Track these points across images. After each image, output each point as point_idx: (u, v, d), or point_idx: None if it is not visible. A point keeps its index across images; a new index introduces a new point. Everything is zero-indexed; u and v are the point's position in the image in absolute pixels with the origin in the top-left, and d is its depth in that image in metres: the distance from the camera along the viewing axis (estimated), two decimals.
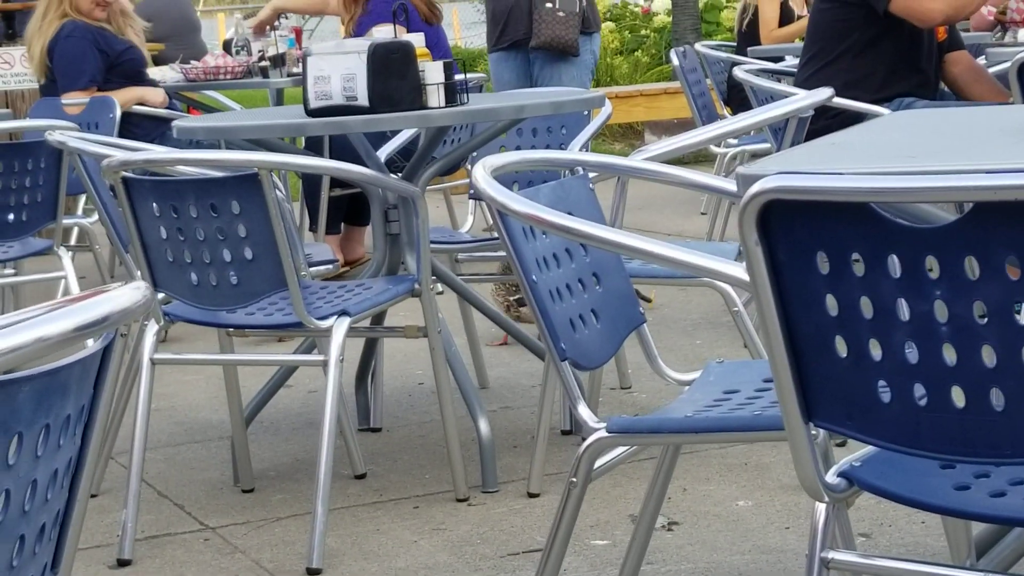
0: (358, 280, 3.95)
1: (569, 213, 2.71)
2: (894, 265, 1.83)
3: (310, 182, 6.78)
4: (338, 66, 4.01)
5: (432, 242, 4.38)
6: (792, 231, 1.89)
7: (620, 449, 2.56)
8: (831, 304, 1.89)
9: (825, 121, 5.27)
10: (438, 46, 6.93)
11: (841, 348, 1.91)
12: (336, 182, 6.57)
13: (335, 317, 3.54)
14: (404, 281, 3.80)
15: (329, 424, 3.46)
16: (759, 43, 8.78)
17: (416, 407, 4.79)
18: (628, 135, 12.58)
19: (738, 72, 5.36)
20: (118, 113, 5.72)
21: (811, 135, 5.26)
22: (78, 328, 1.40)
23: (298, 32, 7.45)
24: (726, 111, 8.78)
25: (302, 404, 4.83)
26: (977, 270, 1.78)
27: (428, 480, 4.06)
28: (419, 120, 3.80)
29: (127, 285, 1.56)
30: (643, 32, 14.75)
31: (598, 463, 2.52)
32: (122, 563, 3.57)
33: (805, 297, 1.91)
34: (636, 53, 14.12)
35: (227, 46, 7.46)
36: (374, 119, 3.75)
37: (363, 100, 3.96)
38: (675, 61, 7.05)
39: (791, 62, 6.75)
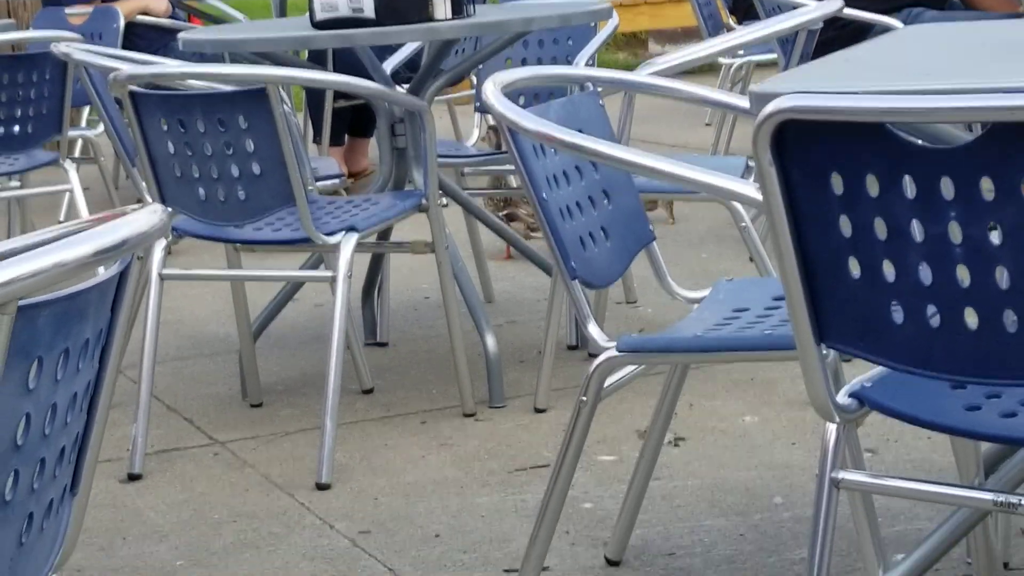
0: (365, 195, 3.94)
1: (579, 130, 2.70)
2: (909, 186, 1.83)
3: (314, 94, 6.75)
4: None
5: (438, 156, 4.37)
6: (806, 151, 1.88)
7: (630, 367, 2.56)
8: (845, 225, 1.89)
9: (834, 31, 5.24)
10: None
11: (854, 269, 1.91)
12: (340, 94, 6.54)
13: (343, 233, 3.54)
14: (411, 196, 3.80)
15: (337, 340, 3.47)
16: None
17: (422, 321, 4.80)
18: (632, 44, 12.50)
19: None
20: (122, 23, 5.70)
21: (820, 46, 5.22)
22: (97, 252, 1.40)
23: None
24: (731, 20, 8.73)
25: (309, 318, 4.84)
26: (993, 191, 1.78)
27: (435, 395, 4.07)
28: (426, 33, 3.78)
29: (143, 208, 1.56)
30: None
31: (608, 381, 2.52)
32: (132, 477, 3.59)
33: (819, 217, 1.90)
34: None
35: None
36: (380, 32, 3.73)
37: (369, 12, 3.93)
38: None
39: None
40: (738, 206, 3.74)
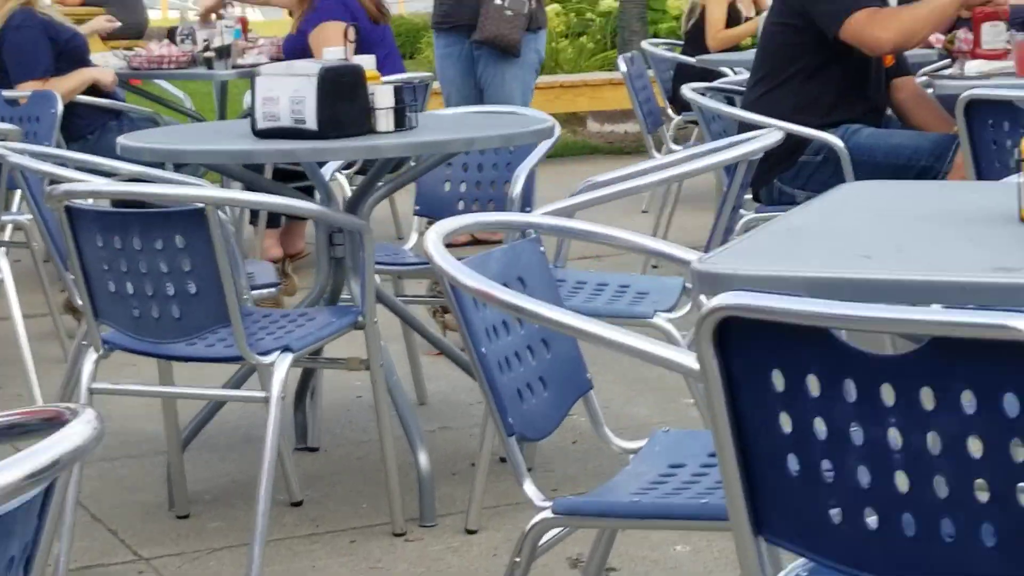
0: (300, 310, 3.92)
1: (520, 279, 2.70)
2: (850, 389, 1.82)
3: None
4: (287, 88, 3.97)
5: (376, 262, 4.35)
6: (748, 347, 1.87)
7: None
8: (785, 422, 1.88)
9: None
10: (384, 44, 6.89)
11: (794, 466, 1.90)
12: (279, 173, 6.52)
13: (278, 353, 3.51)
14: (348, 313, 3.77)
15: (268, 464, 3.43)
16: (705, 43, 8.77)
17: (354, 423, 4.76)
18: (571, 121, 12.56)
19: (686, 92, 5.35)
20: (60, 108, 5.65)
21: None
22: (27, 477, 1.37)
23: (244, 22, 7.38)
24: (670, 109, 8.78)
25: (240, 416, 4.79)
26: (933, 401, 1.78)
27: (366, 510, 4.04)
28: (368, 151, 3.77)
29: (78, 419, 1.52)
30: (588, 15, 14.72)
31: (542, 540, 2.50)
32: None
33: (759, 413, 1.89)
34: (582, 38, 14.08)
35: (172, 34, 7.39)
36: (322, 148, 3.72)
37: (311, 124, 3.93)
38: (622, 67, 7.04)
39: (737, 78, 6.73)
40: (676, 334, 3.73)
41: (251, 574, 3.41)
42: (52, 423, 1.64)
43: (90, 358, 3.59)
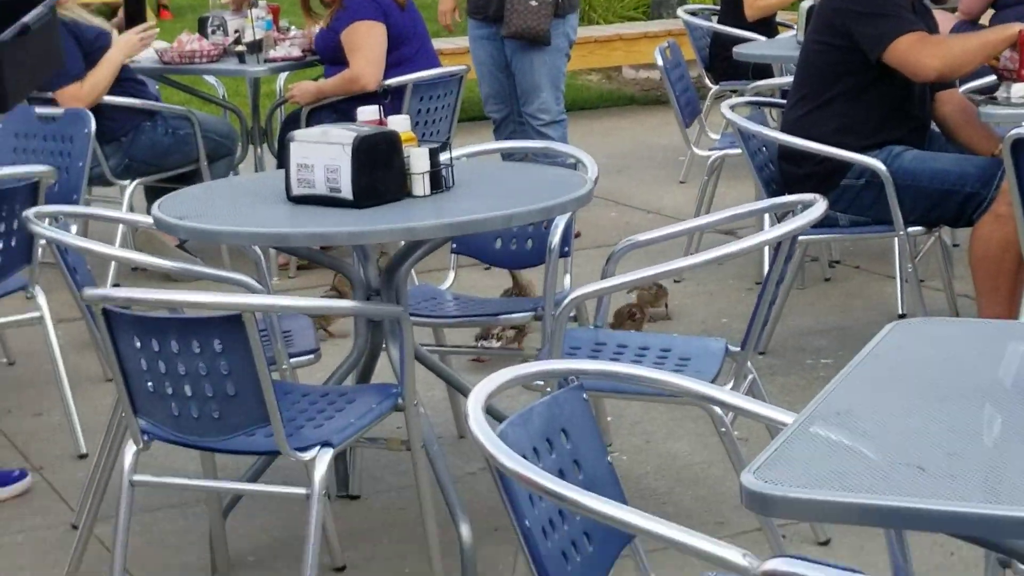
0: (340, 388, 3.89)
1: (563, 431, 2.67)
2: None
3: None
4: (322, 155, 3.93)
5: (412, 314, 4.32)
6: None
7: None
8: None
9: (812, 167, 5.22)
10: (416, 37, 6.81)
11: None
12: None
13: (317, 448, 3.49)
14: (388, 396, 3.74)
15: (311, 562, 3.42)
16: (742, 8, 8.65)
17: (395, 465, 4.74)
18: (607, 68, 12.44)
19: (725, 111, 5.27)
20: (92, 128, 5.60)
21: (800, 179, 5.21)
22: None
23: (275, 11, 7.29)
24: (708, 78, 8.68)
25: (283, 462, 4.78)
26: None
27: (408, 575, 4.04)
28: (405, 234, 3.72)
29: None
30: None
31: None
32: None
33: None
34: None
35: (202, 25, 7.31)
36: (358, 232, 3.68)
37: (347, 193, 3.89)
38: (659, 60, 6.94)
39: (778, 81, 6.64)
40: (718, 410, 3.69)
41: None
42: None
43: (130, 451, 3.57)
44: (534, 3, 7.03)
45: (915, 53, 4.99)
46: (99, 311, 3.39)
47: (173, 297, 3.44)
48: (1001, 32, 5.06)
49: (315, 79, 7.15)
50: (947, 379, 2.47)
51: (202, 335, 3.34)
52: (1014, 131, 4.52)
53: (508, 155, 5.57)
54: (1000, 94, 4.94)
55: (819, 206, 3.71)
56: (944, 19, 7.24)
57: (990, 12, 7.48)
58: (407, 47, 6.74)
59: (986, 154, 5.16)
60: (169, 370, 3.40)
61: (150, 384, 3.46)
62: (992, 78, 5.21)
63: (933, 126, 5.41)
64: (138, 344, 3.41)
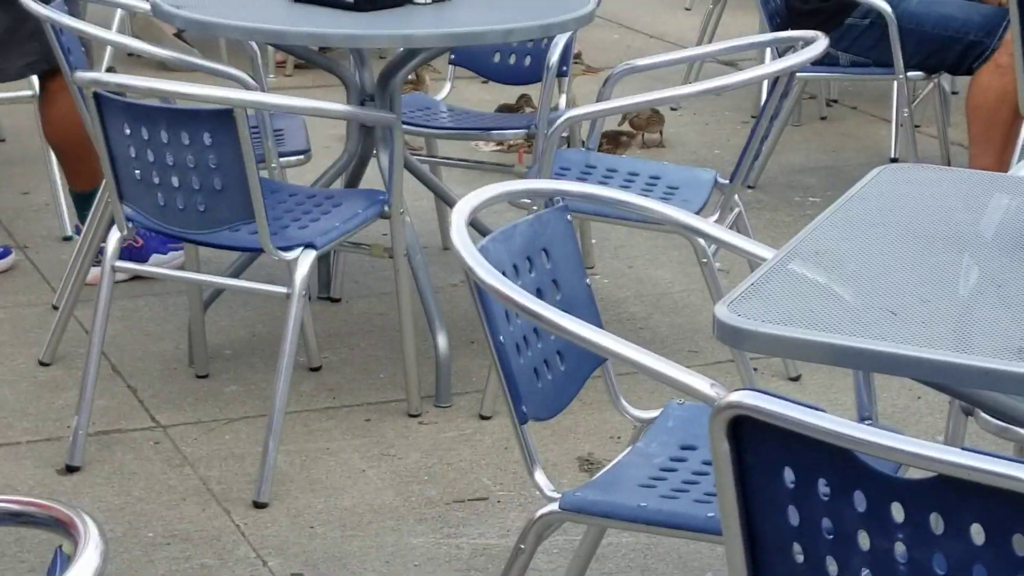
0: (327, 191, 3.89)
1: (544, 251, 2.68)
2: (860, 500, 1.82)
3: None
4: None
5: (405, 123, 4.31)
6: (761, 443, 1.87)
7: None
8: (793, 515, 1.89)
9: (818, 3, 5.19)
10: None
11: (799, 555, 1.91)
12: None
13: (300, 249, 3.50)
14: (375, 202, 3.75)
15: (286, 364, 3.46)
16: None
17: (377, 272, 4.76)
18: None
19: None
20: None
21: (803, 16, 5.17)
22: None
23: None
24: None
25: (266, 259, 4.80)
26: (942, 527, 1.78)
27: (383, 381, 4.07)
28: (403, 40, 3.70)
29: (86, 550, 1.53)
30: None
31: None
32: (71, 469, 3.59)
33: (769, 502, 1.90)
34: None
35: None
36: (356, 36, 3.66)
37: None
38: None
39: None
40: (701, 241, 3.71)
41: (265, 469, 3.46)
42: (60, 525, 1.66)
43: (114, 236, 3.58)
44: None
45: None
46: (90, 95, 3.37)
47: (165, 86, 3.43)
48: None
49: None
50: (929, 226, 2.48)
51: (192, 127, 3.33)
52: None
53: None
54: None
55: (819, 43, 3.69)
56: None
57: None
58: None
59: (993, 3, 5.12)
60: (157, 159, 3.40)
61: (137, 172, 3.46)
62: None
63: None
64: (128, 131, 3.40)
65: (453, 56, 4.75)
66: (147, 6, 4.00)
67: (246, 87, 3.73)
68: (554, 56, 4.26)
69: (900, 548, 1.83)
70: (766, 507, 1.91)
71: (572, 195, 2.82)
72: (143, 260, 4.47)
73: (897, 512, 1.80)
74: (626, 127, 5.81)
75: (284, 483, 3.56)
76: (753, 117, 6.09)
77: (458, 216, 2.50)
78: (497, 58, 4.68)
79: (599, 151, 4.47)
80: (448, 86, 4.83)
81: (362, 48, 3.87)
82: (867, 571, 1.86)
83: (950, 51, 5.09)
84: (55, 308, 4.38)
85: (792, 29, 5.03)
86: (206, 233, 3.51)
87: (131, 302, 4.50)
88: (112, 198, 3.53)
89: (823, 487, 1.85)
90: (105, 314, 3.62)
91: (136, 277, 4.50)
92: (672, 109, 6.37)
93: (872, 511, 1.82)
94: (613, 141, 5.66)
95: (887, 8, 5.02)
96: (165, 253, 4.49)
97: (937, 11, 5.09)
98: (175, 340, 4.27)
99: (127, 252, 4.34)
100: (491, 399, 3.90)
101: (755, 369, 4.03)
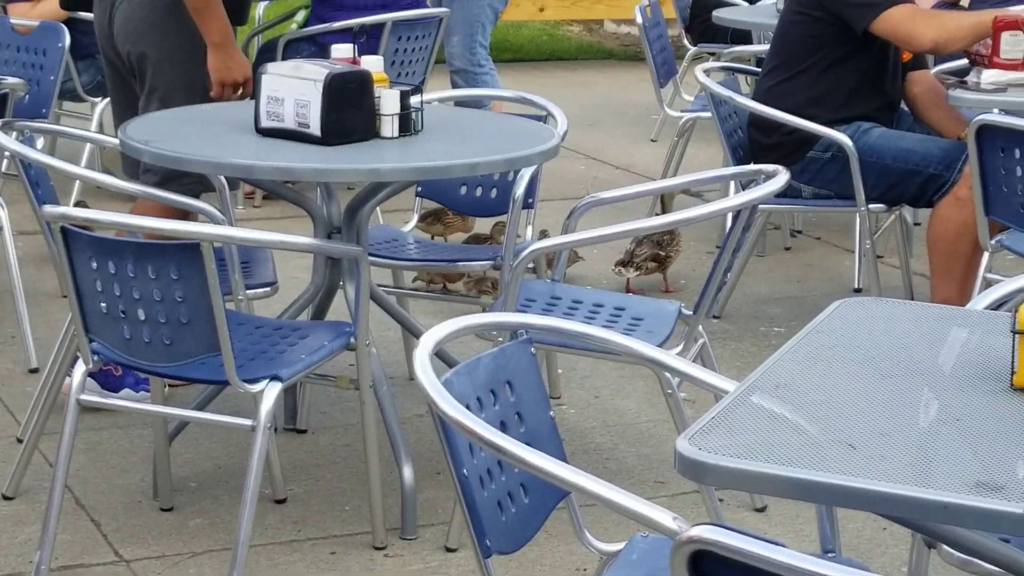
0: (293, 323, 3.91)
1: (508, 383, 2.70)
2: None
3: None
4: (293, 90, 3.94)
5: (372, 254, 4.34)
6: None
7: None
8: None
9: (780, 137, 5.25)
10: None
11: None
12: None
13: (266, 381, 3.51)
14: (341, 334, 3.76)
15: (250, 494, 3.45)
16: None
17: (343, 401, 4.76)
18: (588, 20, 12.43)
19: (699, 75, 5.28)
20: (67, 41, 5.59)
21: (767, 149, 5.24)
22: None
23: None
24: (687, 39, 8.70)
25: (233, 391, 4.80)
26: None
27: (348, 513, 4.06)
28: (370, 175, 3.75)
29: None
30: None
31: None
32: None
33: None
34: None
35: None
36: (323, 169, 3.70)
37: (315, 129, 3.90)
38: (638, 18, 6.95)
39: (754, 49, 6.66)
40: (666, 373, 3.73)
41: None
42: None
43: (79, 370, 3.59)
44: None
45: (910, 22, 5.02)
46: (58, 229, 3.39)
47: (132, 221, 3.45)
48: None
49: (294, 10, 7.13)
50: (889, 359, 2.50)
51: (159, 261, 3.35)
52: (980, 116, 4.55)
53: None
54: (971, 79, 4.96)
55: (781, 177, 3.74)
56: None
57: None
58: None
59: (952, 137, 5.20)
60: (123, 293, 3.42)
61: (104, 305, 3.47)
62: (964, 62, 5.24)
63: (903, 105, 5.44)
64: (94, 265, 3.42)
65: (420, 189, 4.80)
66: (116, 141, 4.04)
67: (213, 221, 3.76)
68: (519, 189, 4.30)
69: None
70: None
71: (536, 328, 2.84)
72: (116, 389, 4.46)
73: None
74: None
75: None
76: (718, 248, 6.14)
77: (423, 349, 2.52)
78: (463, 190, 4.73)
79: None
80: (415, 218, 4.87)
81: (329, 182, 3.90)
82: None
83: (910, 184, 5.15)
84: (19, 441, 4.37)
85: (755, 162, 5.13)
86: (172, 366, 3.52)
87: (96, 434, 4.49)
88: (78, 332, 3.54)
89: None
90: (69, 447, 3.61)
91: (101, 409, 4.49)
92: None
93: None
94: (653, 259, 5.78)
95: (848, 141, 5.09)
96: (137, 391, 4.49)
97: (897, 144, 5.16)
98: (140, 473, 4.26)
99: (103, 376, 4.35)
100: (457, 531, 3.90)
101: (721, 500, 4.03)
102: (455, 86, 7.30)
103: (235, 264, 4.09)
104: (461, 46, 7.34)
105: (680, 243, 5.82)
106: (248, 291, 4.13)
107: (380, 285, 4.67)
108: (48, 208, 3.40)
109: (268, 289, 4.20)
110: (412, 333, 4.38)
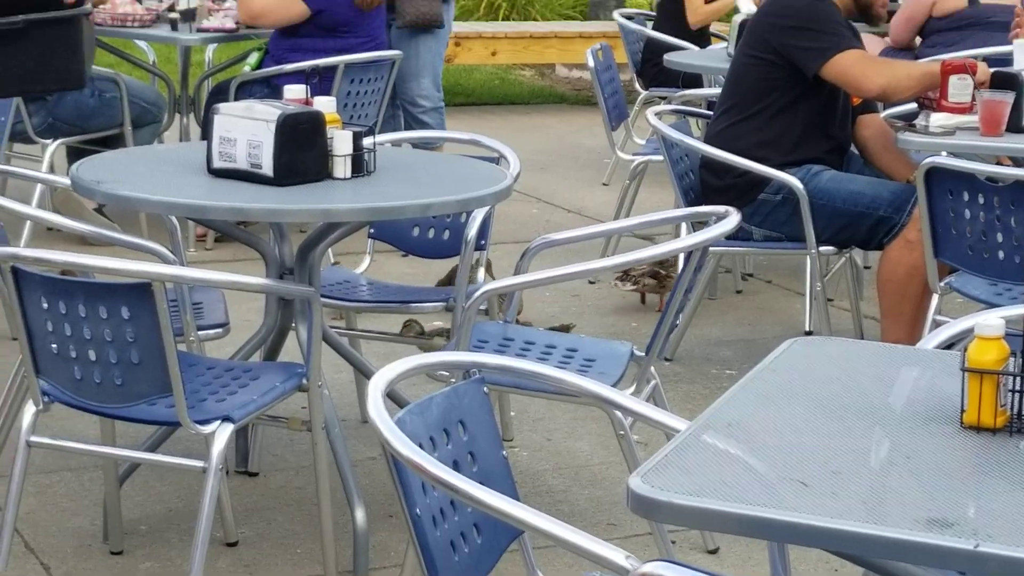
0: (245, 364, 3.90)
1: (461, 423, 2.70)
2: None
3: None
4: (245, 131, 3.93)
5: (325, 296, 4.34)
6: None
7: None
8: None
9: (732, 179, 5.28)
10: (369, 28, 6.75)
11: None
12: None
13: (218, 423, 3.50)
14: (293, 375, 3.75)
15: (203, 537, 3.43)
16: (676, 17, 8.71)
17: (296, 444, 4.75)
18: (540, 65, 12.47)
19: (650, 118, 5.31)
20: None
21: (717, 191, 5.27)
22: None
23: None
24: (638, 83, 8.74)
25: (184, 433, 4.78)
26: None
27: (300, 556, 4.04)
28: (322, 215, 3.74)
29: None
30: None
31: None
32: None
33: None
34: None
35: None
36: (276, 210, 3.69)
37: (267, 170, 3.90)
38: (589, 62, 6.98)
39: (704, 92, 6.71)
40: (618, 414, 3.73)
41: None
42: None
43: (29, 411, 3.57)
44: None
45: (860, 68, 5.08)
46: (7, 269, 3.38)
47: (82, 261, 3.44)
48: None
49: (246, 52, 7.13)
50: (840, 398, 2.52)
51: (110, 301, 3.34)
52: (928, 159, 4.60)
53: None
54: (919, 122, 5.00)
55: (732, 219, 3.76)
56: (872, 43, 7.35)
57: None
58: (354, 38, 6.70)
59: (902, 180, 5.24)
60: (74, 333, 3.40)
61: (54, 346, 3.46)
62: (913, 106, 5.29)
63: (853, 148, 5.49)
64: (45, 305, 3.40)
65: (372, 230, 4.80)
66: (67, 181, 4.03)
67: (165, 261, 3.75)
68: (472, 230, 4.31)
69: None
70: None
71: (489, 367, 2.84)
72: None
73: None
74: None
75: None
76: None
77: (374, 388, 2.52)
78: (416, 232, 4.73)
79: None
80: (367, 259, 4.87)
81: (282, 222, 3.90)
82: None
83: (860, 226, 5.19)
84: None
85: (706, 204, 5.15)
86: (123, 407, 3.50)
87: (46, 477, 4.46)
88: (28, 372, 3.52)
89: None
90: (19, 490, 3.59)
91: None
92: (590, 282, 6.45)
93: None
94: (653, 275, 5.82)
95: (798, 184, 5.12)
96: None
97: (847, 187, 5.20)
98: (90, 515, 4.22)
99: None
100: (410, 572, 3.87)
101: (673, 542, 4.03)
102: (421, 126, 7.29)
103: (187, 305, 4.08)
104: (432, 86, 7.36)
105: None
106: (200, 332, 4.12)
107: (332, 327, 4.67)
108: None
109: (220, 330, 4.18)
110: (364, 375, 4.37)
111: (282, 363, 3.97)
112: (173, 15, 7.01)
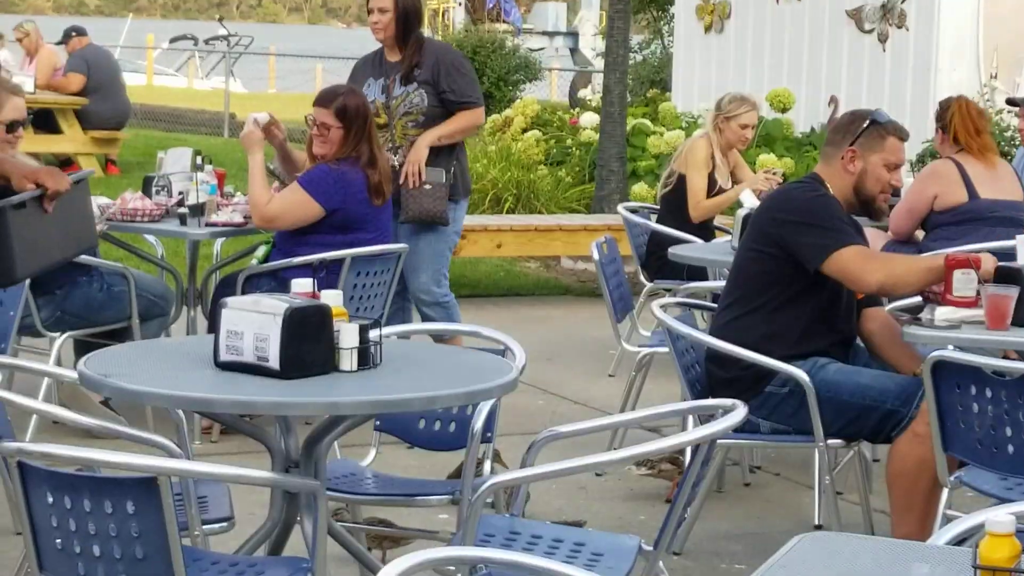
0: (250, 559, 3.87)
1: None
2: None
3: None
4: (252, 324, 3.95)
5: (330, 489, 4.32)
6: None
7: None
8: None
9: (738, 371, 5.28)
10: (378, 223, 6.80)
11: None
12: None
13: None
14: (298, 571, 3.73)
15: None
16: (680, 210, 8.78)
17: None
18: (545, 257, 12.57)
19: (655, 310, 5.33)
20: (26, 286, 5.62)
21: (724, 383, 5.27)
22: None
23: (221, 177, 7.36)
24: (643, 276, 8.79)
25: None
26: None
27: None
28: (328, 408, 3.75)
29: None
30: (568, 143, 14.73)
31: None
32: None
33: None
34: (560, 170, 14.09)
35: (146, 185, 7.37)
36: (282, 403, 3.69)
37: (274, 363, 3.91)
38: (595, 255, 7.03)
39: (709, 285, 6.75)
40: None
41: None
42: None
43: None
44: (428, 187, 7.17)
45: (859, 264, 5.11)
46: (14, 464, 3.37)
47: (89, 455, 3.43)
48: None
49: (254, 246, 7.18)
50: None
51: (115, 495, 3.32)
52: (935, 353, 4.60)
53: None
54: (924, 315, 5.02)
55: (739, 411, 3.76)
56: (875, 237, 7.41)
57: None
58: (364, 233, 6.75)
59: (908, 373, 5.24)
60: (79, 528, 3.38)
61: (59, 541, 3.43)
62: (918, 299, 5.31)
63: (858, 341, 5.50)
64: (50, 500, 3.39)
65: (378, 422, 4.79)
66: (74, 375, 4.03)
67: (171, 455, 3.75)
68: (478, 423, 4.31)
69: None
70: None
71: (495, 563, 2.82)
72: None
73: None
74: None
75: None
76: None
77: None
78: (422, 424, 4.73)
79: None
80: (373, 452, 4.86)
81: (288, 415, 3.90)
82: None
83: (868, 419, 5.18)
84: None
85: (712, 397, 5.15)
86: None
87: None
88: (32, 569, 3.49)
89: None
90: None
91: None
92: (597, 475, 6.42)
93: None
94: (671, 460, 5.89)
95: (804, 377, 5.12)
96: None
97: (854, 380, 5.20)
98: None
99: None
100: None
101: None
102: (426, 319, 7.34)
103: (192, 499, 4.06)
104: (431, 282, 7.42)
105: None
106: (204, 526, 4.09)
107: (337, 520, 4.64)
108: (4, 443, 3.39)
109: (225, 524, 4.15)
110: (370, 569, 4.34)
111: (287, 557, 3.94)
112: (182, 210, 7.08)
